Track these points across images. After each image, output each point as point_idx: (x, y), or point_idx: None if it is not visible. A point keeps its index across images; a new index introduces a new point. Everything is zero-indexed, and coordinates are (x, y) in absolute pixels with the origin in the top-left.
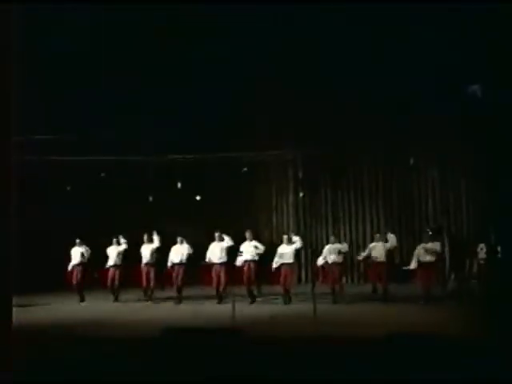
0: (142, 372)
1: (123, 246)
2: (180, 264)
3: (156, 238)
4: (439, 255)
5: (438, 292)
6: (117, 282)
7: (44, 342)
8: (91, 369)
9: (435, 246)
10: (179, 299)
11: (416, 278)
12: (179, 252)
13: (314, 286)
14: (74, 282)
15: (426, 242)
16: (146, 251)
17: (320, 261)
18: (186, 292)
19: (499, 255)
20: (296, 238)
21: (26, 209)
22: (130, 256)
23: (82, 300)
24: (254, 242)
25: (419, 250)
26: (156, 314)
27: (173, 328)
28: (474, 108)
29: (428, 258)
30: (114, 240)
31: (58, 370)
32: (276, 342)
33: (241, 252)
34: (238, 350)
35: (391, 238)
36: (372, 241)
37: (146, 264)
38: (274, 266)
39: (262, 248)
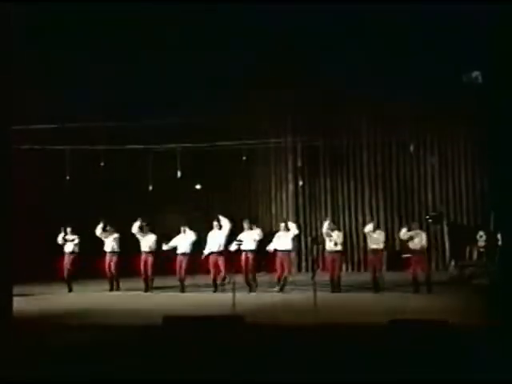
0: (142, 360)
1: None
2: (183, 253)
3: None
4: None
5: (436, 278)
6: (114, 270)
7: (43, 331)
8: (92, 358)
9: (421, 235)
10: (182, 288)
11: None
12: (183, 241)
13: (314, 274)
14: (65, 271)
15: (415, 230)
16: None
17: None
18: (187, 281)
19: (499, 243)
20: (292, 225)
21: (25, 198)
22: (130, 244)
23: (70, 290)
24: (253, 231)
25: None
26: (156, 302)
27: (173, 316)
28: (475, 95)
29: (419, 246)
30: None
31: (57, 358)
32: (276, 329)
33: (240, 241)
34: (239, 337)
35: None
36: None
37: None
38: (269, 248)
39: (260, 234)
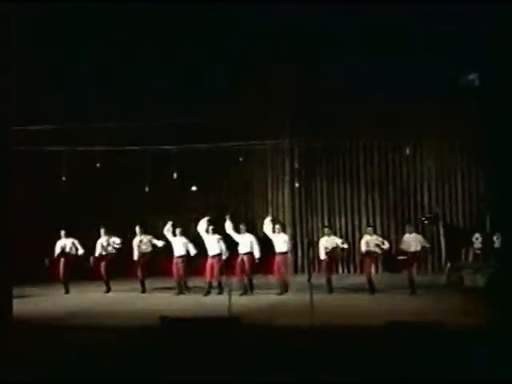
0: (140, 361)
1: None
2: (180, 256)
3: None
4: (424, 246)
5: (433, 281)
6: (106, 272)
7: (42, 332)
8: (90, 358)
9: (419, 238)
10: (179, 290)
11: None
12: (179, 244)
13: (310, 276)
14: (60, 274)
15: (410, 233)
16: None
17: (322, 255)
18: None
19: (495, 245)
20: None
21: (22, 199)
22: (125, 247)
23: (67, 292)
24: (248, 235)
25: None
26: (153, 304)
27: (170, 317)
28: (472, 97)
29: (413, 248)
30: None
31: (56, 359)
32: (273, 330)
33: (237, 243)
34: (236, 339)
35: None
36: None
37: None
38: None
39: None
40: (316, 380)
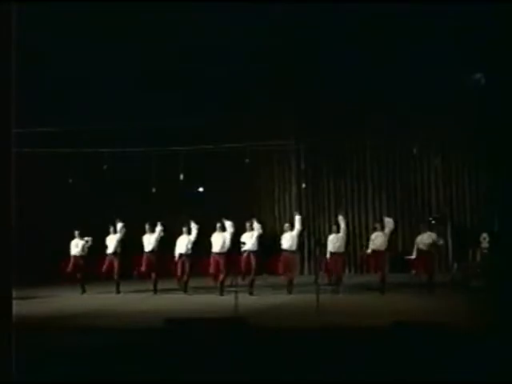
0: (145, 362)
1: (119, 235)
2: (186, 255)
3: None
4: (436, 245)
5: (439, 280)
6: (116, 272)
7: (46, 333)
8: (93, 360)
9: (432, 236)
10: (185, 290)
11: (414, 267)
12: (185, 242)
13: (317, 276)
14: (75, 273)
15: (425, 232)
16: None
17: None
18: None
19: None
20: (297, 217)
21: (26, 201)
22: (132, 246)
23: (84, 291)
24: (255, 232)
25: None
26: (159, 304)
27: (176, 318)
28: (478, 96)
29: (425, 248)
30: (111, 228)
31: (59, 360)
32: (279, 331)
33: (243, 243)
34: (242, 339)
35: (388, 222)
36: (373, 231)
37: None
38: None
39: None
40: (321, 380)
